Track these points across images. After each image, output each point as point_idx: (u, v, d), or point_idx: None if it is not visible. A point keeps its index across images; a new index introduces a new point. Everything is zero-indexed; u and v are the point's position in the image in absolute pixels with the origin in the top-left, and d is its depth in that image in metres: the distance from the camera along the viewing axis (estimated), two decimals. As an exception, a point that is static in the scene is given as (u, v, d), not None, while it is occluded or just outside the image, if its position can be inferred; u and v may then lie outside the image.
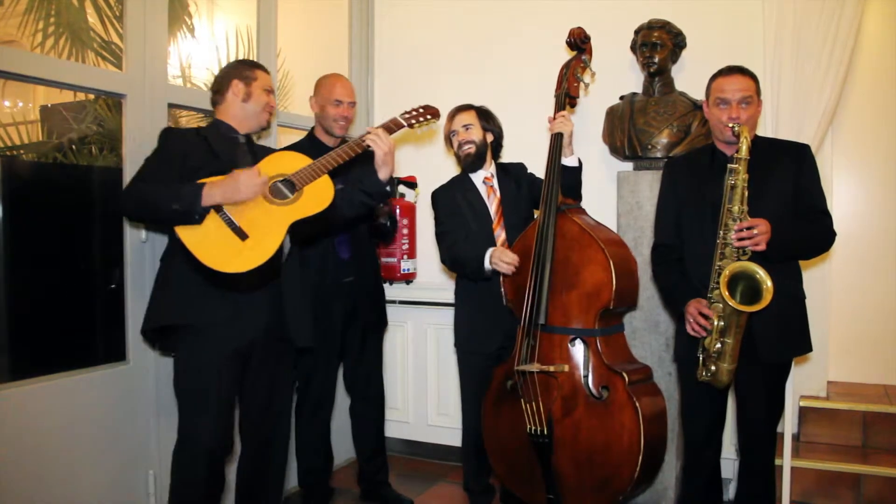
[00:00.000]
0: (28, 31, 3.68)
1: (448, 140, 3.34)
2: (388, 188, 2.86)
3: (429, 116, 2.99)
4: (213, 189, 2.42)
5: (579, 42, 3.12)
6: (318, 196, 2.61)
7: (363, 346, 3.51)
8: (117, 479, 2.71)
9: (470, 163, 3.26)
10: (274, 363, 2.74)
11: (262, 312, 2.62)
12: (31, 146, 3.87)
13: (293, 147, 3.42)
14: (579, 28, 3.13)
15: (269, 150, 2.90)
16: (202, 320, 2.51)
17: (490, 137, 3.29)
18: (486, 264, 3.01)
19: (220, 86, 2.77)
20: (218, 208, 2.43)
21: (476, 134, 3.24)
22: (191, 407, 2.55)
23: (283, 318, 2.69)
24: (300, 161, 2.69)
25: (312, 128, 3.51)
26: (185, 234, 2.38)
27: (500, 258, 2.97)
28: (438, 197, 3.33)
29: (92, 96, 3.73)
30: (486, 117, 3.30)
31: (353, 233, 3.37)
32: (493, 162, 3.34)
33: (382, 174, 2.80)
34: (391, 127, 2.89)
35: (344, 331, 3.42)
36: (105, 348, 2.87)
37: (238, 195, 2.45)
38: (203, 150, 2.63)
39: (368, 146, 2.77)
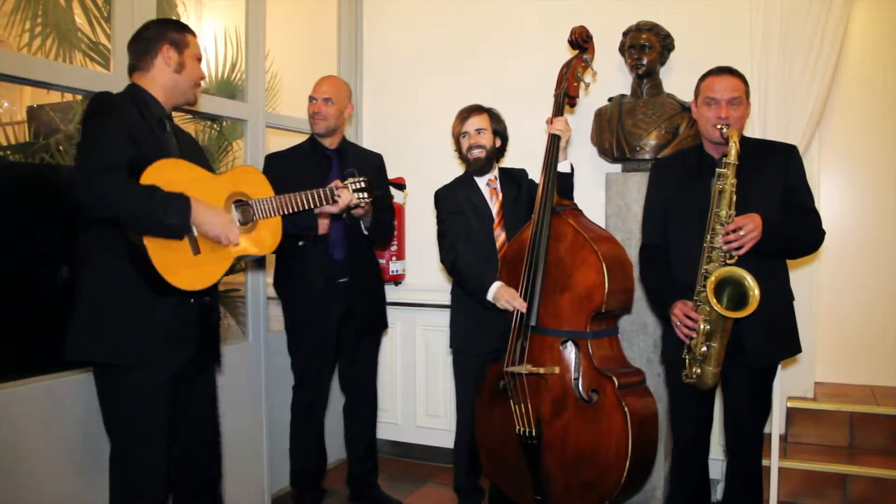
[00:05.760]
0: (15, 31, 3.65)
1: (457, 140, 3.32)
2: (314, 225, 3.12)
3: (366, 195, 3.02)
4: (196, 213, 2.28)
5: (581, 41, 3.09)
6: (269, 237, 2.61)
7: (358, 348, 3.51)
8: (102, 485, 2.69)
9: (479, 168, 3.27)
10: (196, 380, 2.59)
11: (191, 332, 2.45)
12: (18, 147, 3.85)
13: (294, 149, 3.48)
14: (581, 27, 3.09)
15: (191, 138, 2.72)
16: (137, 357, 2.30)
17: (498, 142, 3.30)
18: (490, 296, 3.01)
19: (146, 49, 2.42)
20: None
21: (487, 139, 3.25)
22: (136, 439, 2.38)
23: (209, 334, 2.58)
24: (264, 187, 2.63)
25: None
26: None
27: (508, 301, 2.94)
28: (442, 196, 3.34)
29: (79, 97, 3.71)
30: (496, 121, 3.31)
31: (348, 234, 3.36)
32: (496, 165, 3.34)
33: (318, 212, 3.02)
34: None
35: (339, 331, 3.41)
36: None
37: (210, 234, 2.34)
38: (144, 129, 2.35)
39: (335, 199, 2.90)
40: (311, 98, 3.41)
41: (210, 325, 2.59)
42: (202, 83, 2.60)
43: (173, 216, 2.21)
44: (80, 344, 2.27)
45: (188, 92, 2.52)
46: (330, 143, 3.44)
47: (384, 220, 3.46)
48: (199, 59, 2.54)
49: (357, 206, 3.02)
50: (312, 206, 2.80)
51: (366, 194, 3.00)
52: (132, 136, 2.28)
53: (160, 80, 2.44)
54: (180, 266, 2.28)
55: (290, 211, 2.69)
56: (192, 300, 2.42)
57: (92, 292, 2.29)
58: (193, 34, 2.53)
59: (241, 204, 2.53)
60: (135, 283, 2.26)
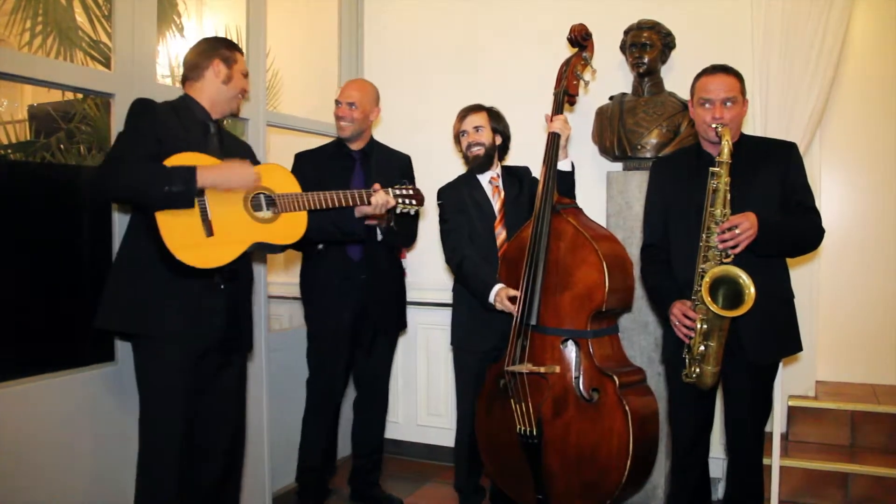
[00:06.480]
0: (16, 30, 3.66)
1: (457, 139, 3.34)
2: (360, 230, 3.10)
3: (414, 202, 3.03)
4: (206, 172, 2.40)
5: (580, 39, 3.09)
6: (291, 229, 2.68)
7: (373, 346, 3.51)
8: (105, 483, 2.69)
9: (478, 165, 3.27)
10: (223, 371, 2.68)
11: (219, 318, 2.56)
12: (19, 145, 3.86)
13: (320, 149, 3.51)
14: (581, 24, 3.10)
15: (238, 140, 2.91)
16: (161, 330, 2.44)
17: (499, 140, 3.31)
18: (491, 298, 3.01)
19: (197, 62, 2.65)
20: (199, 193, 2.41)
21: (486, 136, 3.26)
22: (156, 435, 2.51)
23: (238, 324, 2.67)
24: (290, 183, 2.73)
25: None
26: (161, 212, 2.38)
27: (501, 301, 2.97)
28: (445, 194, 3.34)
29: (80, 96, 3.71)
30: (496, 119, 3.31)
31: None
32: (499, 163, 3.35)
33: (358, 214, 3.02)
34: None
35: (355, 329, 3.41)
36: (93, 348, 2.85)
37: (230, 183, 2.47)
38: (177, 131, 2.52)
39: (369, 201, 2.92)
40: (337, 102, 3.42)
41: (238, 314, 2.67)
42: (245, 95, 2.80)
43: (178, 183, 2.34)
44: (105, 315, 2.46)
45: (232, 102, 2.73)
46: (356, 145, 3.45)
47: (406, 226, 3.42)
48: (246, 75, 2.75)
49: (405, 212, 3.04)
50: (338, 205, 2.82)
51: (414, 201, 3.02)
52: (160, 138, 2.44)
53: (208, 90, 2.65)
54: (191, 245, 2.40)
55: (315, 207, 2.73)
56: (222, 287, 2.54)
57: (120, 269, 2.50)
58: (241, 52, 2.75)
59: (266, 198, 2.62)
60: (155, 262, 2.40)
